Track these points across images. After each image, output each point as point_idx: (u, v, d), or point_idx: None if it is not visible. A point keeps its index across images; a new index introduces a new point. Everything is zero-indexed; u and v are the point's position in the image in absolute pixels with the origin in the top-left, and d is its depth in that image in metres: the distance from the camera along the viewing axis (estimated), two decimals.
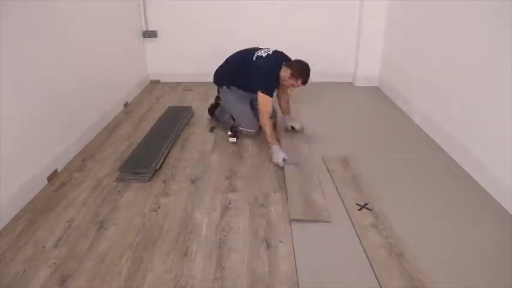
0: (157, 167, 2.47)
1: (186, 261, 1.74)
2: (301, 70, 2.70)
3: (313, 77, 4.29)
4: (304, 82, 2.72)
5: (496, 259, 1.75)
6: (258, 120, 2.86)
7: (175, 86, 4.26)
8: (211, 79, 4.35)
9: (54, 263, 1.73)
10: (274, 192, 2.26)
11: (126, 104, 3.65)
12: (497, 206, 2.12)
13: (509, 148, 2.07)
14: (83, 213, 2.07)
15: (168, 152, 2.70)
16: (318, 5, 4.06)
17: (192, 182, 2.37)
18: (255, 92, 2.74)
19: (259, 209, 2.11)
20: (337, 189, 2.26)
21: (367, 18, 3.98)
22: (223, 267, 1.70)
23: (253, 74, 2.76)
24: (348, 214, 2.03)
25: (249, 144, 2.85)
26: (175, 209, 2.11)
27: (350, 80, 4.38)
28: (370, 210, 2.04)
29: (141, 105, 3.68)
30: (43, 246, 1.82)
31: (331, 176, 2.39)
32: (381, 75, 4.15)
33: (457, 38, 2.64)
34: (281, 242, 1.85)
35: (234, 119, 2.97)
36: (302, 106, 3.55)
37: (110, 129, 3.12)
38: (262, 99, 2.68)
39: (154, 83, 4.39)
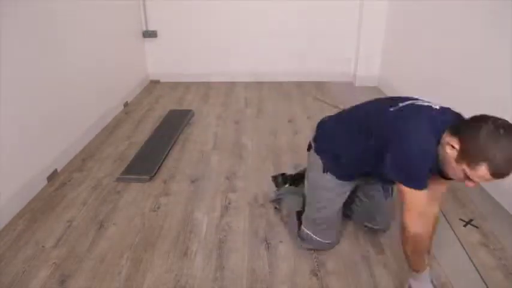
0: (153, 173, 2.44)
1: (186, 261, 1.74)
2: (493, 143, 1.16)
3: (313, 77, 4.34)
4: (501, 174, 1.19)
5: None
6: (339, 233, 1.86)
7: (175, 86, 4.26)
8: (211, 79, 4.40)
9: (54, 263, 1.73)
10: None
11: (126, 104, 3.65)
12: (498, 206, 2.12)
13: None
14: (82, 213, 2.07)
15: (167, 155, 2.69)
16: (318, 5, 4.06)
17: (192, 182, 2.37)
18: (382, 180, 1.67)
19: (259, 209, 2.11)
20: None
21: (367, 18, 3.98)
22: (223, 267, 1.70)
23: (385, 143, 1.40)
24: None
25: (249, 144, 2.85)
26: (175, 209, 2.11)
27: (350, 80, 4.38)
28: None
29: (141, 105, 3.68)
30: (43, 246, 1.82)
31: None
32: (381, 75, 4.15)
33: (457, 37, 2.64)
34: (281, 242, 1.85)
35: (303, 207, 1.84)
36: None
37: (110, 129, 3.12)
38: (408, 195, 1.37)
39: (154, 83, 4.39)
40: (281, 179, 2.11)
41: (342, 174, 1.66)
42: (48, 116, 2.38)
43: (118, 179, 2.37)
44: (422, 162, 1.32)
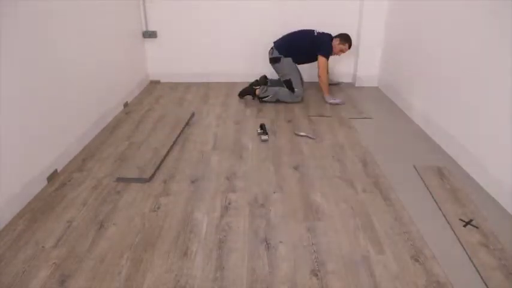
0: (152, 173, 2.44)
1: (186, 261, 1.74)
2: (347, 37, 3.72)
3: (313, 77, 4.35)
4: (350, 46, 3.75)
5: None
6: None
7: (175, 86, 4.27)
8: (211, 79, 4.41)
9: (54, 263, 1.72)
10: (274, 192, 2.26)
11: (126, 104, 3.65)
12: (497, 206, 2.12)
13: (509, 148, 2.07)
14: (82, 213, 2.07)
15: (167, 155, 2.69)
16: (317, 5, 4.06)
17: (192, 182, 2.37)
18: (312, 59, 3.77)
19: (259, 209, 2.11)
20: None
21: (367, 19, 3.98)
22: (223, 267, 1.70)
23: (319, 45, 3.70)
24: None
25: (249, 144, 2.85)
26: (175, 209, 2.11)
27: (350, 80, 4.38)
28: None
29: (141, 105, 3.68)
30: (43, 246, 1.82)
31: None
32: (381, 75, 4.15)
33: (457, 37, 2.64)
34: (281, 242, 1.85)
35: (289, 83, 3.69)
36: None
37: (110, 129, 3.12)
38: (322, 59, 3.66)
39: (154, 83, 4.39)
40: (261, 81, 3.80)
41: (297, 61, 3.78)
42: (48, 116, 2.38)
43: (118, 179, 2.37)
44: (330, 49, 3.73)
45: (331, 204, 2.14)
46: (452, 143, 2.66)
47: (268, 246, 1.83)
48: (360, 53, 4.15)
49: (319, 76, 3.69)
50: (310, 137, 2.93)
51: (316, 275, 1.66)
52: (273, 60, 3.77)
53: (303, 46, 3.71)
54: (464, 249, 1.80)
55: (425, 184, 2.32)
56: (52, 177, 2.38)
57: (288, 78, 3.69)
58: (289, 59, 3.71)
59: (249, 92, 3.78)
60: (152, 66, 4.38)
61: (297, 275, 1.66)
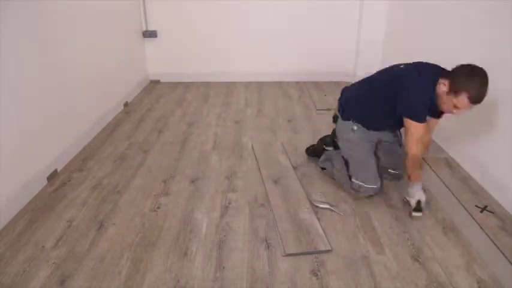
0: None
1: (186, 261, 1.74)
2: (469, 77, 1.76)
3: (313, 77, 4.33)
4: (475, 99, 1.76)
5: (495, 260, 1.75)
6: (381, 178, 2.17)
7: (175, 86, 4.27)
8: (211, 79, 4.40)
9: (54, 263, 1.72)
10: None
11: (126, 104, 3.65)
12: (497, 206, 2.12)
13: (510, 148, 2.07)
14: (82, 213, 2.07)
15: None
16: (318, 5, 4.06)
17: (192, 182, 2.37)
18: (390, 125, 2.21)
19: (259, 209, 2.11)
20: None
21: (367, 18, 3.98)
22: (223, 267, 1.70)
23: (396, 91, 1.96)
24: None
25: (248, 145, 2.85)
26: (175, 209, 2.11)
27: (350, 80, 4.37)
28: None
29: (141, 105, 3.68)
30: (43, 246, 1.82)
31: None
32: None
33: (458, 37, 2.64)
34: (281, 241, 1.85)
35: (347, 167, 2.19)
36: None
37: (110, 129, 3.12)
38: (412, 125, 1.92)
39: (154, 83, 4.39)
40: (329, 139, 2.52)
41: (372, 126, 2.19)
42: (48, 116, 2.38)
43: None
44: (423, 99, 1.90)
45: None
46: (452, 143, 2.65)
47: (268, 246, 1.83)
48: (360, 52, 4.14)
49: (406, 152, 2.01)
50: (333, 211, 2.08)
51: (316, 275, 1.66)
52: (334, 120, 2.37)
53: (376, 96, 2.11)
54: (486, 233, 1.89)
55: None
56: (52, 177, 2.38)
57: (345, 157, 2.24)
58: (348, 123, 2.22)
59: (319, 152, 2.53)
60: (152, 66, 4.37)
61: (297, 275, 1.66)
